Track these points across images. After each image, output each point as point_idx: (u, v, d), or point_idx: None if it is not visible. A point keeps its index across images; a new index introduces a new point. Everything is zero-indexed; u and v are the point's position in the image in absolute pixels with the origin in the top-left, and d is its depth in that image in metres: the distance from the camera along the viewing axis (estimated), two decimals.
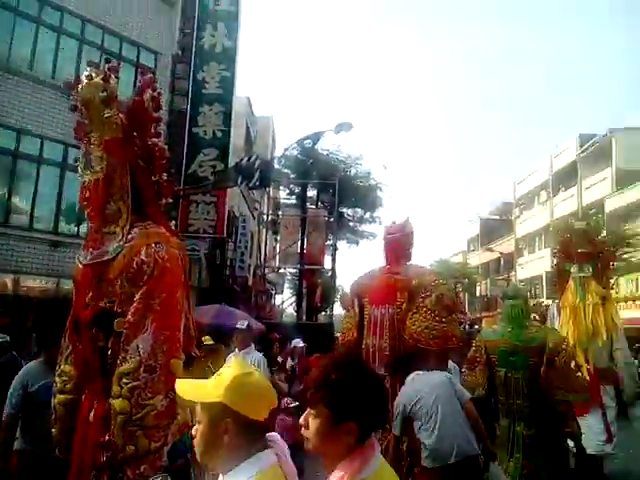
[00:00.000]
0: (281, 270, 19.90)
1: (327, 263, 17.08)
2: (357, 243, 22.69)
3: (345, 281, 23.98)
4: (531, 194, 36.10)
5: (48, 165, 10.87)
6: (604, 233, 21.04)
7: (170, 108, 11.01)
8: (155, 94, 3.25)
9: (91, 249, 2.94)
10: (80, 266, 3.01)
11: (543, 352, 5.09)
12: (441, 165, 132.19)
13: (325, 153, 19.66)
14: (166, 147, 3.55)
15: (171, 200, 3.54)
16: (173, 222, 12.19)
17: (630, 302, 21.81)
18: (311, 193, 18.54)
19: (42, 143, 10.72)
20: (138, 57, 11.81)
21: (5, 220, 10.37)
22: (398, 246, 5.13)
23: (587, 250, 7.43)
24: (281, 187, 21.66)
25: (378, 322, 4.83)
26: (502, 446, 4.99)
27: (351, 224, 22.12)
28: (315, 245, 14.70)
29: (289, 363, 9.10)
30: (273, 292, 21.10)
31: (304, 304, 16.93)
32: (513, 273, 35.33)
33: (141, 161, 3.13)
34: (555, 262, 8.30)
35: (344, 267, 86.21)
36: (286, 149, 14.57)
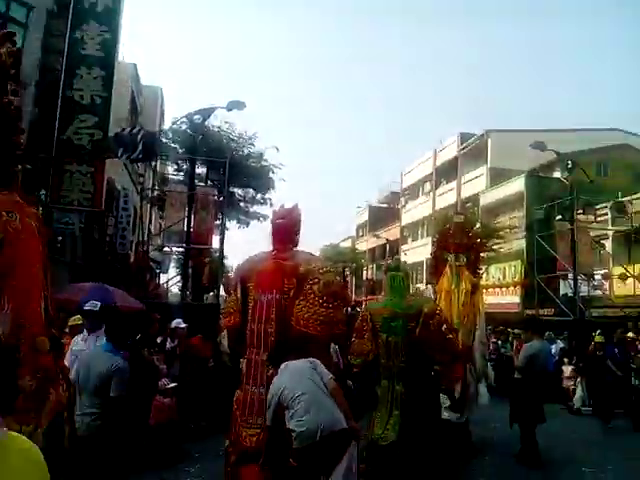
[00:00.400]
0: (166, 249, 19.19)
1: (215, 243, 16.77)
2: (248, 224, 22.52)
3: (235, 262, 23.67)
4: (416, 185, 38.14)
5: None
6: (478, 225, 22.96)
7: (42, 67, 10.02)
8: (14, 49, 2.96)
9: None
10: None
11: (420, 318, 5.71)
12: (333, 151, 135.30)
13: (216, 130, 19.18)
14: (35, 109, 3.25)
15: (29, 166, 3.27)
16: (43, 192, 11.23)
17: (497, 289, 23.95)
18: (200, 170, 17.99)
19: None
20: (8, 9, 10.58)
21: None
22: (285, 231, 5.12)
23: (463, 242, 8.31)
24: (168, 162, 20.80)
25: (264, 307, 4.80)
26: (382, 405, 5.59)
27: (242, 205, 21.84)
28: (203, 224, 14.30)
29: (169, 344, 8.84)
30: (158, 271, 20.31)
31: (190, 285, 16.50)
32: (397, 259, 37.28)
33: None
34: (434, 250, 9.09)
35: (234, 248, 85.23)
36: (174, 122, 13.97)
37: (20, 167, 3.09)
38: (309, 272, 4.75)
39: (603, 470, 6.84)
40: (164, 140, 16.88)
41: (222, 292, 16.67)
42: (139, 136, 9.17)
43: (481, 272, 9.19)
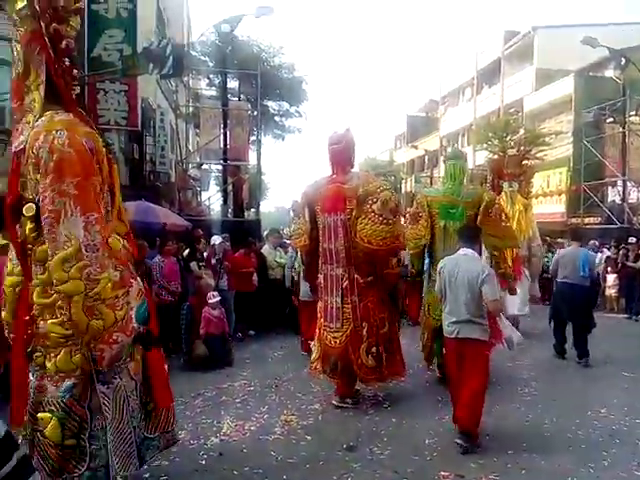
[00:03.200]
0: (205, 166, 19.26)
1: (252, 159, 16.72)
2: (283, 138, 22.24)
3: (272, 177, 23.90)
4: (456, 91, 36.31)
5: None
6: (522, 132, 21.87)
7: None
8: None
9: (15, 139, 3.06)
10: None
11: (478, 206, 6.25)
12: (369, 60, 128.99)
13: (245, 40, 18.43)
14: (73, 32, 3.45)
15: (76, 85, 3.50)
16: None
17: (541, 197, 23.25)
18: (232, 84, 17.55)
19: None
20: None
21: None
22: (342, 155, 5.58)
23: (515, 171, 9.68)
24: (200, 77, 20.35)
25: (332, 228, 5.42)
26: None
27: (276, 119, 21.48)
28: (238, 140, 14.18)
29: (213, 260, 9.15)
30: (199, 189, 20.56)
31: (230, 201, 16.71)
32: (437, 170, 36.38)
33: (51, 51, 3.06)
34: (490, 178, 10.52)
35: (270, 163, 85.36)
36: (202, 34, 13.43)
37: (77, 90, 3.39)
38: (368, 193, 5.26)
39: None
40: (193, 53, 16.41)
41: (262, 209, 16.92)
42: (168, 49, 8.88)
43: (531, 195, 10.70)
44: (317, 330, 5.68)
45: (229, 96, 15.28)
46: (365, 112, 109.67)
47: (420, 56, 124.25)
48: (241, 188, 15.92)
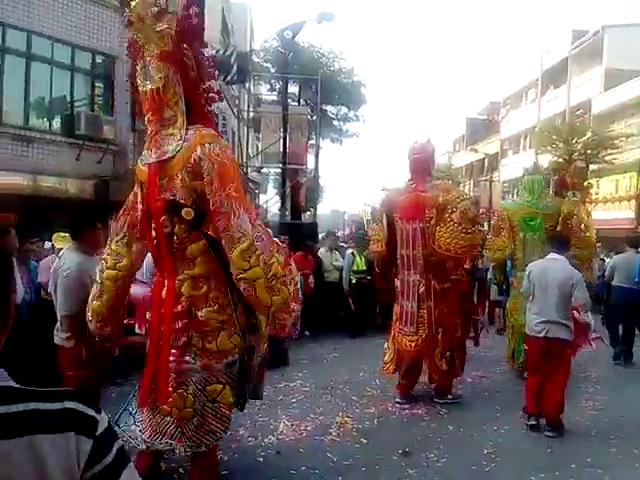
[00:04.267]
0: (264, 169, 19.62)
1: (310, 162, 16.88)
2: (341, 142, 22.38)
3: (328, 180, 24.07)
4: (519, 93, 35.24)
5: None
6: (589, 135, 20.93)
7: None
8: (197, 10, 3.41)
9: (153, 149, 3.29)
10: (144, 167, 3.36)
11: (558, 217, 6.51)
12: (429, 62, 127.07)
13: (306, 46, 18.68)
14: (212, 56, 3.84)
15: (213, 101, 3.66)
16: None
17: (609, 203, 22.20)
18: (293, 89, 17.83)
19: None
20: None
21: None
22: (423, 165, 5.86)
23: (579, 180, 9.50)
24: (261, 82, 20.78)
25: (410, 236, 5.61)
26: (519, 292, 6.21)
27: (335, 123, 21.64)
28: (298, 144, 14.37)
29: None
30: (257, 192, 20.96)
31: (288, 204, 16.93)
32: (497, 174, 35.40)
33: (192, 72, 3.34)
34: (554, 187, 10.14)
35: (328, 167, 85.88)
36: (265, 41, 13.73)
37: (212, 107, 3.61)
38: (447, 202, 5.44)
39: None
40: (256, 60, 16.79)
41: (319, 212, 17.03)
42: (233, 57, 9.18)
43: (590, 208, 10.67)
44: (392, 332, 5.86)
45: (289, 101, 15.53)
46: (424, 115, 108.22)
47: (482, 58, 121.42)
48: (299, 191, 16.09)
